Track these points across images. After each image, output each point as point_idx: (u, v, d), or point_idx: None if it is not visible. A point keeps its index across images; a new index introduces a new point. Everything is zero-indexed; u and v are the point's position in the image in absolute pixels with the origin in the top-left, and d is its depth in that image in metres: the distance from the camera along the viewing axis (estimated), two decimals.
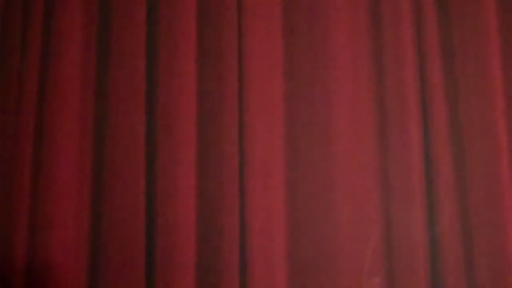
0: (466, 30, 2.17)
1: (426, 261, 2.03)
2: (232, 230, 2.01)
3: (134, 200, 2.01)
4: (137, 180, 2.02)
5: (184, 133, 2.05)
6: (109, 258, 2.00)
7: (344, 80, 2.16)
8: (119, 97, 2.09)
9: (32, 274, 1.95)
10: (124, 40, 2.10)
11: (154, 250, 2.00)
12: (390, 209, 2.09)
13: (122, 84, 2.09)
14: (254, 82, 2.11)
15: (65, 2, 2.10)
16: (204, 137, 2.08)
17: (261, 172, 2.06)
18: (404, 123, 2.11)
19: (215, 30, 2.14)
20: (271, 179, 2.07)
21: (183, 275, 1.97)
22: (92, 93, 2.11)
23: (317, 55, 2.17)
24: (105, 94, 2.11)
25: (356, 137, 2.14)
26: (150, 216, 2.02)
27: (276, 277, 2.02)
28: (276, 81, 2.14)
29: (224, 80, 2.11)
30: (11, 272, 1.94)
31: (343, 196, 2.08)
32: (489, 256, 2.02)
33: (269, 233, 2.04)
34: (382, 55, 2.19)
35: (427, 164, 2.10)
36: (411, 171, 2.08)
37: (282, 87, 2.15)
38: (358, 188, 2.10)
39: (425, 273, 2.02)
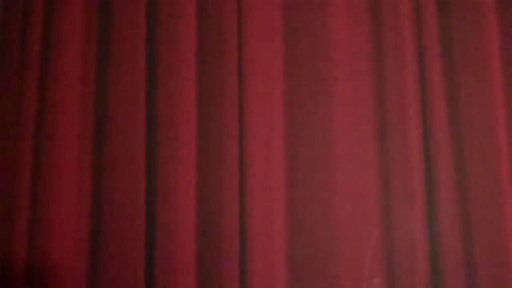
0: (466, 30, 2.17)
1: (426, 261, 2.03)
2: (232, 230, 2.01)
3: (134, 200, 2.01)
4: (137, 180, 2.03)
5: (184, 133, 2.05)
6: (109, 258, 2.00)
7: (344, 80, 2.16)
8: (119, 97, 2.08)
9: (32, 274, 1.95)
10: (124, 40, 2.10)
11: (154, 250, 2.00)
12: (390, 209, 2.09)
13: (122, 84, 2.09)
14: (254, 82, 2.11)
15: (65, 2, 2.10)
16: (204, 137, 2.08)
17: (261, 172, 2.06)
18: (404, 123, 2.11)
19: (215, 30, 2.14)
20: (271, 179, 2.07)
21: (183, 275, 1.97)
22: (92, 93, 2.11)
23: (317, 55, 2.17)
24: (105, 94, 2.11)
25: (356, 137, 2.14)
26: (150, 216, 2.02)
27: (276, 277, 2.02)
28: (276, 81, 2.14)
29: (224, 80, 2.10)
30: (11, 273, 1.94)
31: (343, 197, 2.08)
32: (489, 256, 2.02)
33: (269, 233, 2.04)
34: (382, 55, 2.19)
35: (427, 164, 2.11)
36: (411, 171, 2.08)
37: (282, 87, 2.15)
38: (358, 188, 2.10)
39: (425, 273, 2.02)
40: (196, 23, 2.13)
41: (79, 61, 2.10)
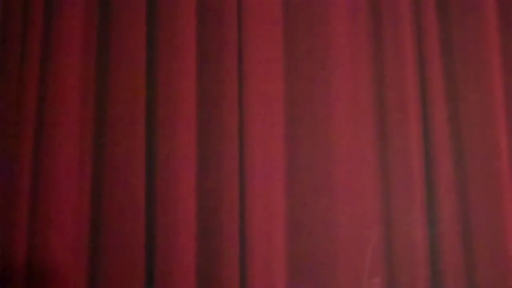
0: (466, 30, 2.17)
1: (426, 261, 2.04)
2: (232, 230, 2.01)
3: (134, 200, 2.01)
4: (137, 180, 2.02)
5: (184, 133, 2.05)
6: (109, 258, 2.00)
7: (344, 80, 2.16)
8: (119, 97, 2.08)
9: (32, 274, 1.95)
10: (124, 40, 2.10)
11: (154, 250, 2.00)
12: (390, 209, 2.09)
13: (122, 84, 2.09)
14: (254, 82, 2.11)
15: (65, 2, 2.10)
16: (204, 137, 2.08)
17: (261, 172, 2.06)
18: (404, 123, 2.11)
19: (215, 30, 2.14)
20: (271, 179, 2.07)
21: (183, 275, 1.97)
22: (92, 93, 2.11)
23: (317, 55, 2.17)
24: (105, 94, 2.11)
25: (356, 137, 2.14)
26: (150, 216, 2.02)
27: (276, 277, 2.02)
28: (276, 81, 2.15)
29: (224, 80, 2.10)
30: (11, 272, 1.94)
31: (343, 196, 2.08)
32: (489, 256, 2.03)
33: (269, 233, 2.04)
34: (382, 55, 2.19)
35: (427, 164, 2.11)
36: (411, 171, 2.08)
37: (282, 87, 2.15)
38: (358, 188, 2.10)
39: (425, 273, 2.02)
40: (196, 23, 2.13)
41: (79, 61, 2.10)
